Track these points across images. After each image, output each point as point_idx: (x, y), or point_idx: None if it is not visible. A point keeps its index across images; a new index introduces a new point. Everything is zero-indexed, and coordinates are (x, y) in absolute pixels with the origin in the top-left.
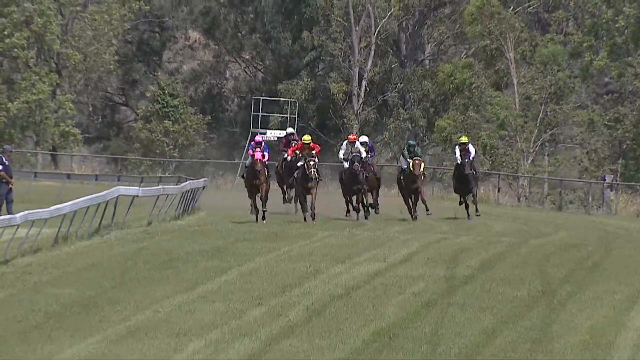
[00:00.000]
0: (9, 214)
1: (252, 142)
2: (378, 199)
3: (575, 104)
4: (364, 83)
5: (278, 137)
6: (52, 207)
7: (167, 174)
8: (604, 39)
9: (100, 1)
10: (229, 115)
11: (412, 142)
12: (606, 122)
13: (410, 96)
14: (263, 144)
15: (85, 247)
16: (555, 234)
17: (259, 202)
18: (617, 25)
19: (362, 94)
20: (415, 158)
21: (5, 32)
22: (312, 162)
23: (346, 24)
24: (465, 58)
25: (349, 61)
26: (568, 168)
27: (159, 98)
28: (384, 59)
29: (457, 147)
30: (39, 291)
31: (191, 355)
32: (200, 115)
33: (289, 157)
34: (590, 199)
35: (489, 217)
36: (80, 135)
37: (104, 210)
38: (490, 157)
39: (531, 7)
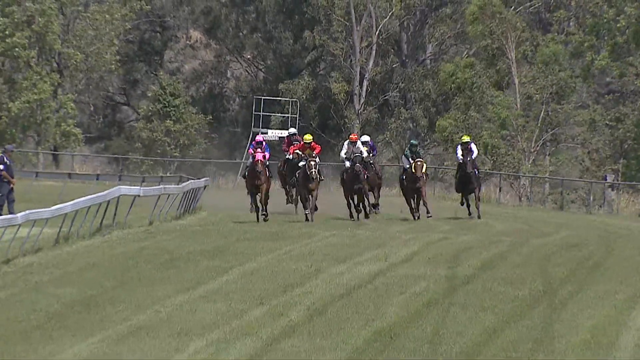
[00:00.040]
0: (10, 213)
1: (253, 142)
2: (378, 199)
3: (577, 104)
4: (365, 83)
5: (279, 137)
6: (53, 207)
7: (168, 174)
8: (605, 38)
9: (102, 1)
10: (230, 115)
11: (414, 141)
12: (607, 122)
13: (411, 96)
14: (264, 143)
15: (87, 247)
16: (556, 233)
17: (259, 203)
18: (618, 25)
19: (364, 94)
20: (417, 160)
21: (7, 32)
22: (312, 162)
23: (347, 24)
24: (466, 58)
25: (350, 61)
26: (569, 168)
27: (160, 98)
28: (385, 59)
29: (458, 146)
30: (40, 291)
31: (192, 355)
32: (202, 115)
33: (291, 157)
34: (591, 199)
35: (490, 216)
36: (81, 135)
37: (105, 209)
38: (491, 157)
39: (532, 7)
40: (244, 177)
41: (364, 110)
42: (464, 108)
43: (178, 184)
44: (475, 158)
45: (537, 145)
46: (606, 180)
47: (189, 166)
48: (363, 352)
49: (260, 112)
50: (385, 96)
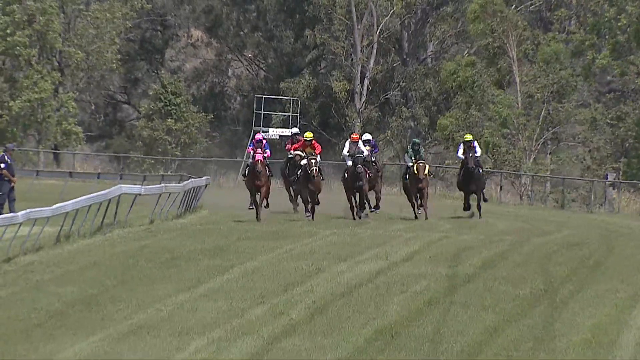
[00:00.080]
0: (11, 212)
1: (253, 140)
2: (380, 201)
3: (578, 103)
4: (366, 81)
5: (280, 136)
6: (54, 206)
7: (169, 173)
8: (606, 37)
9: None
10: (231, 113)
11: (416, 140)
12: (608, 121)
13: (412, 94)
14: (264, 142)
15: (88, 246)
16: (557, 232)
17: (259, 202)
18: (619, 24)
19: (365, 93)
20: (419, 161)
21: (8, 31)
22: (313, 161)
23: (348, 22)
24: (467, 56)
25: (351, 59)
26: (570, 166)
27: (161, 96)
28: (386, 57)
29: (460, 145)
30: (41, 289)
31: (193, 353)
32: (203, 113)
33: (292, 154)
34: (592, 198)
35: (491, 215)
36: (82, 134)
37: (106, 208)
38: (492, 156)
39: (533, 6)
40: (244, 176)
41: (365, 109)
42: (465, 107)
43: (179, 183)
44: (478, 157)
45: (538, 144)
46: (607, 179)
47: (189, 165)
48: (364, 351)
49: (261, 110)
50: (386, 95)
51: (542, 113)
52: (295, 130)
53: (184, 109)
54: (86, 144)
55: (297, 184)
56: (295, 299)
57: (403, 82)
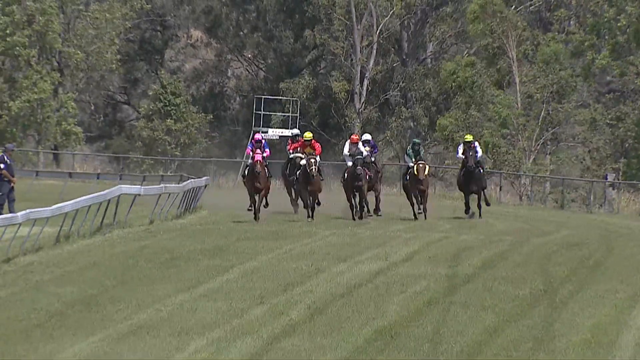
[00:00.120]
0: (10, 212)
1: (252, 140)
2: (380, 203)
3: (577, 103)
4: (365, 82)
5: (280, 136)
6: (53, 206)
7: (169, 173)
8: (606, 37)
9: (102, 0)
10: (230, 113)
11: (416, 140)
12: (608, 121)
13: (412, 95)
14: (263, 142)
15: (87, 246)
16: (557, 232)
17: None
18: (619, 24)
19: (364, 93)
20: (419, 162)
21: (7, 31)
22: (313, 160)
23: (348, 23)
24: (467, 57)
25: (351, 60)
26: (570, 167)
27: (160, 97)
28: (386, 58)
29: (460, 145)
30: (41, 290)
31: (193, 354)
32: (202, 113)
33: (291, 153)
34: (592, 198)
35: (491, 215)
36: (82, 134)
37: (106, 209)
38: (492, 156)
39: (533, 6)
40: (243, 176)
41: (364, 110)
42: (464, 107)
43: (178, 183)
44: (480, 158)
45: (538, 144)
46: (607, 179)
47: (189, 165)
48: (363, 351)
49: (260, 111)
50: (386, 95)
51: (542, 113)
52: (296, 131)
53: (184, 110)
54: (86, 144)
55: (297, 184)
56: (294, 299)
57: (403, 82)
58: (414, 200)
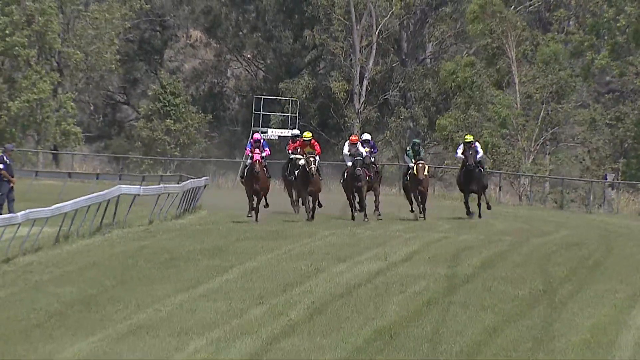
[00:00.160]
0: (10, 212)
1: (251, 140)
2: (379, 205)
3: (577, 103)
4: (365, 82)
5: (279, 136)
6: (53, 206)
7: (168, 173)
8: (605, 38)
9: (102, 0)
10: (230, 114)
11: (416, 140)
12: (607, 121)
13: (411, 95)
14: (262, 141)
15: (87, 246)
16: (556, 232)
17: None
18: (618, 25)
19: (364, 93)
20: (418, 162)
21: (7, 31)
22: (312, 159)
23: (347, 23)
24: (466, 57)
25: (350, 60)
26: (569, 167)
27: (160, 97)
28: (385, 58)
29: (460, 145)
30: (40, 290)
31: (192, 354)
32: (202, 114)
33: (291, 152)
34: (591, 198)
35: (491, 215)
36: (81, 134)
37: (105, 209)
38: (491, 156)
39: (532, 6)
40: (242, 177)
41: (364, 110)
42: (464, 107)
43: (178, 183)
44: (481, 157)
45: (537, 145)
46: (606, 179)
47: (188, 165)
48: (363, 351)
49: (260, 111)
50: (385, 95)
51: (541, 113)
52: (296, 132)
53: (183, 110)
54: (85, 144)
55: (296, 184)
56: (294, 300)
57: (402, 82)
58: (414, 201)
